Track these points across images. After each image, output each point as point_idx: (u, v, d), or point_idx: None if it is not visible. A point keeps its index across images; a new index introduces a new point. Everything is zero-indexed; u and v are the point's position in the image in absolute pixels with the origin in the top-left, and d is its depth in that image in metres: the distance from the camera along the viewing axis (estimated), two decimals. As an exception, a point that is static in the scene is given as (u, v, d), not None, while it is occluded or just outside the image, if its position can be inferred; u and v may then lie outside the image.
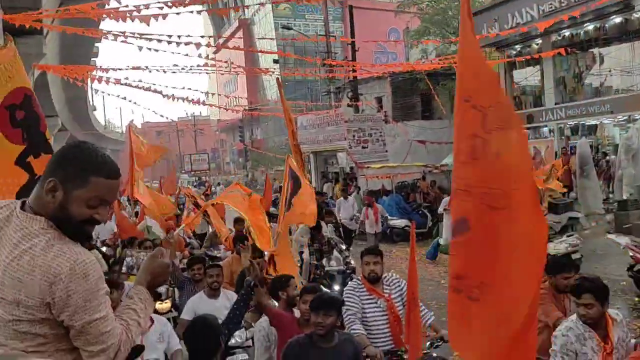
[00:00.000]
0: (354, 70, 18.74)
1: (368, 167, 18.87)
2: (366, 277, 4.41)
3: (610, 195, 15.22)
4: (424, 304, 4.46)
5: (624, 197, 13.78)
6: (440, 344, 4.28)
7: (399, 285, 4.48)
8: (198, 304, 5.13)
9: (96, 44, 30.39)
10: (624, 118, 16.51)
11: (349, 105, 21.97)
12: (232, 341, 4.61)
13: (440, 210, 13.13)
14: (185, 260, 7.18)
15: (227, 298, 5.26)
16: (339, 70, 21.18)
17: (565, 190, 13.87)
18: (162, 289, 6.57)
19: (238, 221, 8.05)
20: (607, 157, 16.19)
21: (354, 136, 20.04)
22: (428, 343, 4.24)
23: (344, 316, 4.26)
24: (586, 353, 3.43)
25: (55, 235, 1.72)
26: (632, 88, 16.37)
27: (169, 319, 5.29)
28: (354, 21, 22.80)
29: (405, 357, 4.09)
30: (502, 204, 2.19)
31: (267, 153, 35.13)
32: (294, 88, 36.77)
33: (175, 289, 6.21)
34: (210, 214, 8.24)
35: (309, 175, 29.62)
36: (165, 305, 6.37)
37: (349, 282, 4.70)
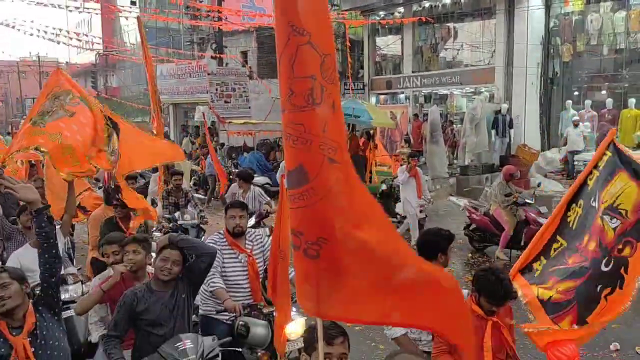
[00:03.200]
0: (219, 19, 18.00)
1: (230, 122, 18.48)
2: (230, 232, 4.26)
3: (455, 161, 16.45)
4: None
5: (466, 163, 15.01)
6: None
7: (261, 242, 4.42)
8: (23, 255, 4.65)
9: None
10: (471, 90, 17.82)
11: (212, 57, 21.19)
12: (67, 295, 4.25)
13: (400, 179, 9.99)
14: None
15: None
16: (204, 19, 20.26)
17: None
18: (-14, 244, 5.81)
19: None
20: (454, 126, 17.42)
21: (216, 89, 19.42)
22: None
23: None
24: None
25: None
26: (480, 63, 17.68)
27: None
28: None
29: (264, 310, 4.08)
30: (339, 159, 2.07)
31: (124, 102, 33.01)
32: (155, 35, 34.68)
33: (2, 242, 5.57)
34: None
35: (167, 128, 28.42)
36: (-9, 259, 5.72)
37: (211, 235, 4.51)
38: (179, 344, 3.30)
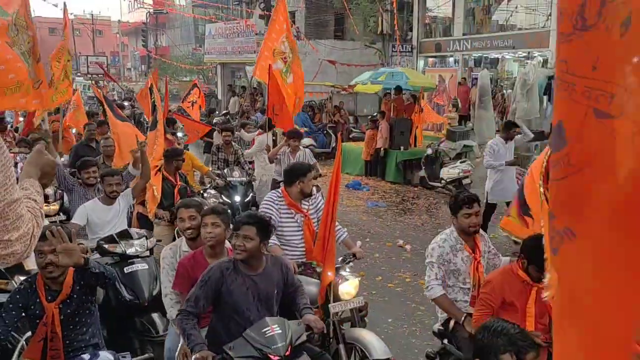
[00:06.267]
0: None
1: (276, 83, 18.52)
2: (304, 193, 4.33)
3: (503, 127, 16.04)
4: (340, 225, 4.49)
5: (515, 130, 14.65)
6: (352, 259, 4.38)
7: (316, 202, 4.49)
8: (92, 209, 4.89)
9: None
10: (524, 54, 17.23)
11: (260, 17, 21.15)
12: (132, 250, 4.42)
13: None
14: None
15: (120, 204, 5.05)
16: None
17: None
18: (49, 191, 6.25)
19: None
20: (503, 91, 16.96)
21: (264, 50, 19.43)
22: (340, 258, 4.30)
23: None
24: (456, 263, 3.73)
25: None
26: (534, 26, 17.02)
27: (54, 222, 5.01)
28: None
29: (317, 269, 4.11)
30: (615, 112, 1.20)
31: (171, 62, 33.47)
32: (203, -6, 34.75)
33: (64, 193, 5.88)
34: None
35: (215, 87, 28.68)
36: (53, 207, 6.09)
37: (270, 193, 4.58)
38: (266, 329, 2.95)
